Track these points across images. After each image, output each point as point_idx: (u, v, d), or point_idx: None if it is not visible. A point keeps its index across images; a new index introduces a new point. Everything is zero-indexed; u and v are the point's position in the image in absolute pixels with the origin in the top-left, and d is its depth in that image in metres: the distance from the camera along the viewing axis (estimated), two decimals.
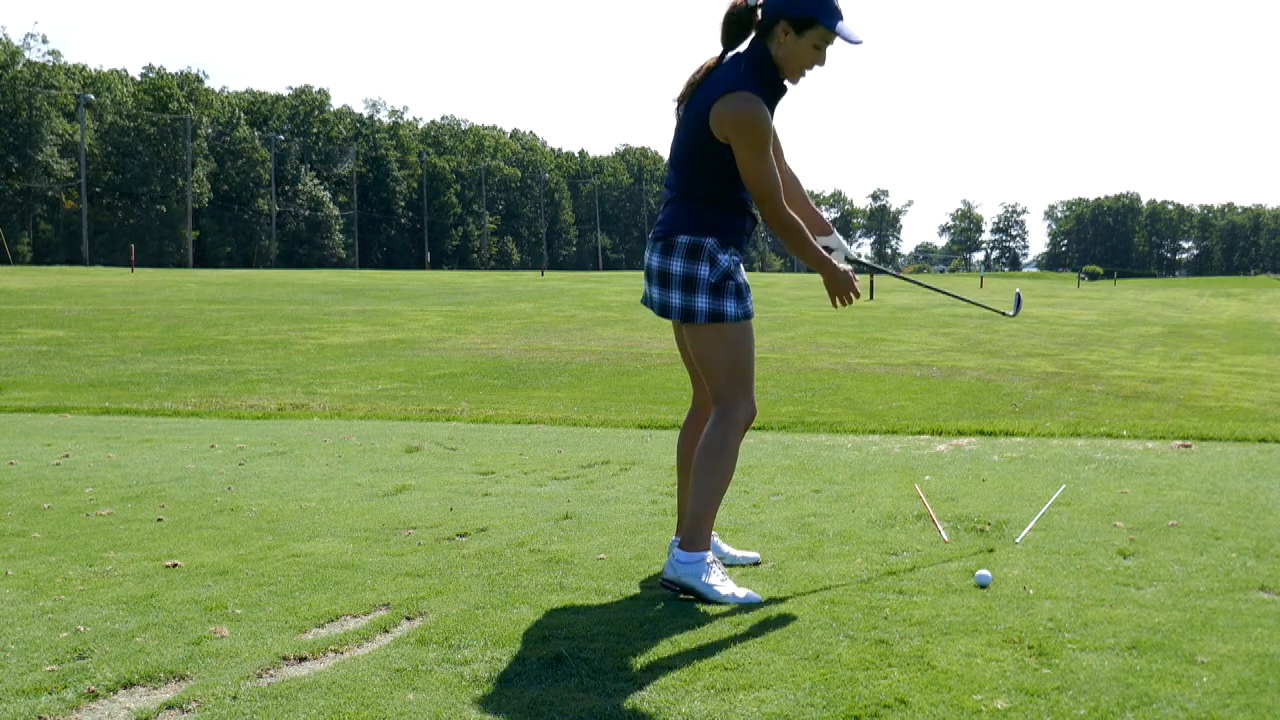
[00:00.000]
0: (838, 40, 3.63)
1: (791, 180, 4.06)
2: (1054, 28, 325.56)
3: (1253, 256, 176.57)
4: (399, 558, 4.25)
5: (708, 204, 3.73)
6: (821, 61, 3.66)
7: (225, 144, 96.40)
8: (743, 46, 3.73)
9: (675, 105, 3.83)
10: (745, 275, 3.83)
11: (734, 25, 3.68)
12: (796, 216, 3.78)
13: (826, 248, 4.06)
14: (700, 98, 3.67)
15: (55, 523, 5.00)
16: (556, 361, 17.63)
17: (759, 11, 3.66)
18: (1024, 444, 7.65)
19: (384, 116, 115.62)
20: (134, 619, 3.44)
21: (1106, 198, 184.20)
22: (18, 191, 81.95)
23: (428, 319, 26.26)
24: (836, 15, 3.58)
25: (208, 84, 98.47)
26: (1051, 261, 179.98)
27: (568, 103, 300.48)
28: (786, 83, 3.74)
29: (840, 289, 3.87)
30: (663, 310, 3.82)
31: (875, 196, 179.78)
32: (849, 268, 3.91)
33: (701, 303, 3.73)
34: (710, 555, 3.73)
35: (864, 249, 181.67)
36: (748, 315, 3.78)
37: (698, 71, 3.75)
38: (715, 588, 3.65)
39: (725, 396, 3.79)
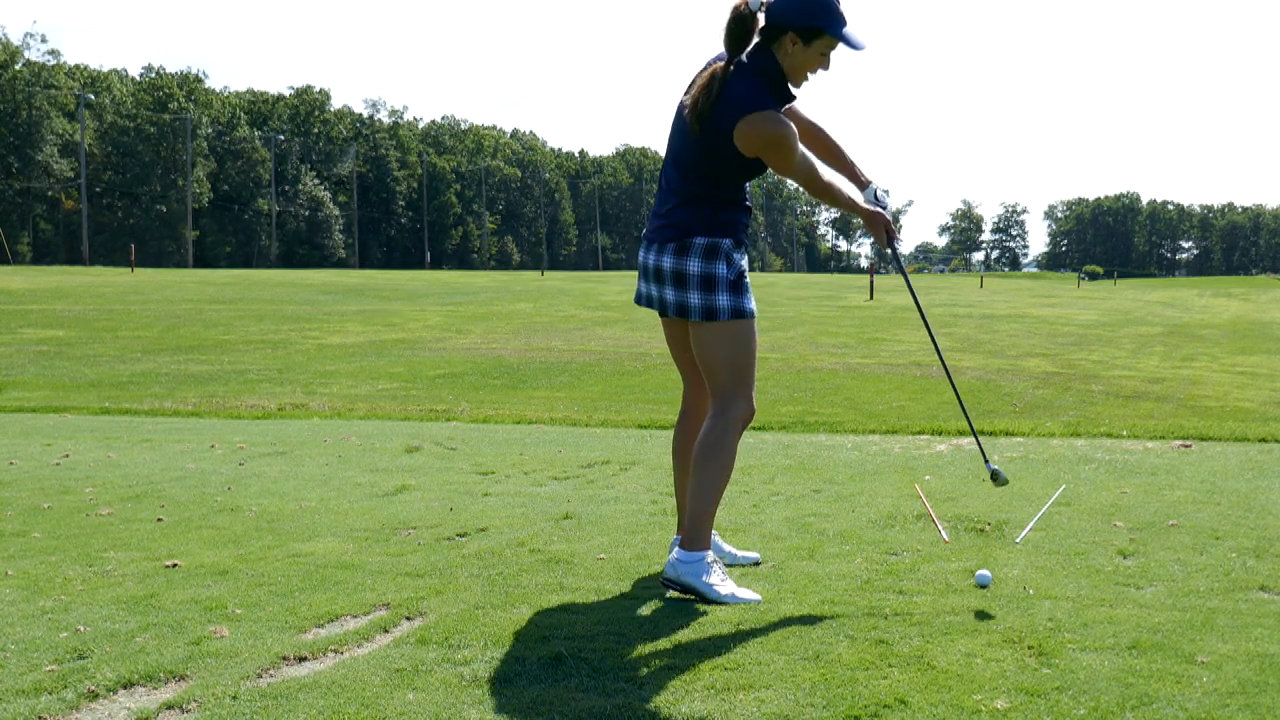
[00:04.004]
0: (841, 45, 3.68)
1: (817, 133, 4.13)
2: (1054, 27, 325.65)
3: (1253, 256, 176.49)
4: (399, 558, 4.25)
5: (720, 206, 3.80)
6: (826, 66, 3.75)
7: (225, 144, 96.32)
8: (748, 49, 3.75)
9: (681, 107, 3.82)
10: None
11: (738, 30, 3.69)
12: (831, 178, 3.98)
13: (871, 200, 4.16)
14: (719, 114, 3.67)
15: (55, 523, 5.00)
16: (556, 361, 17.63)
17: (761, 17, 3.68)
18: (1024, 444, 7.65)
19: (384, 116, 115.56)
20: (134, 619, 3.44)
21: (1106, 198, 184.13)
22: (18, 191, 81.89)
23: (428, 319, 26.26)
24: (842, 22, 3.65)
25: (208, 84, 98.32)
26: (1051, 261, 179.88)
27: (568, 103, 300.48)
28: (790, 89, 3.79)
29: (875, 229, 4.08)
30: (680, 310, 3.83)
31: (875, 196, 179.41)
32: (886, 214, 4.08)
33: (723, 300, 3.78)
34: (711, 555, 3.74)
35: (864, 249, 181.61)
36: (752, 314, 3.87)
37: (706, 79, 3.71)
38: (715, 587, 3.65)
39: (725, 394, 3.81)
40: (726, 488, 3.87)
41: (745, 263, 3.88)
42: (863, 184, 4.18)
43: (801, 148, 3.82)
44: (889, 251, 4.17)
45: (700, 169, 3.76)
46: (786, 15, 3.63)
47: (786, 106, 3.95)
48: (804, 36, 3.64)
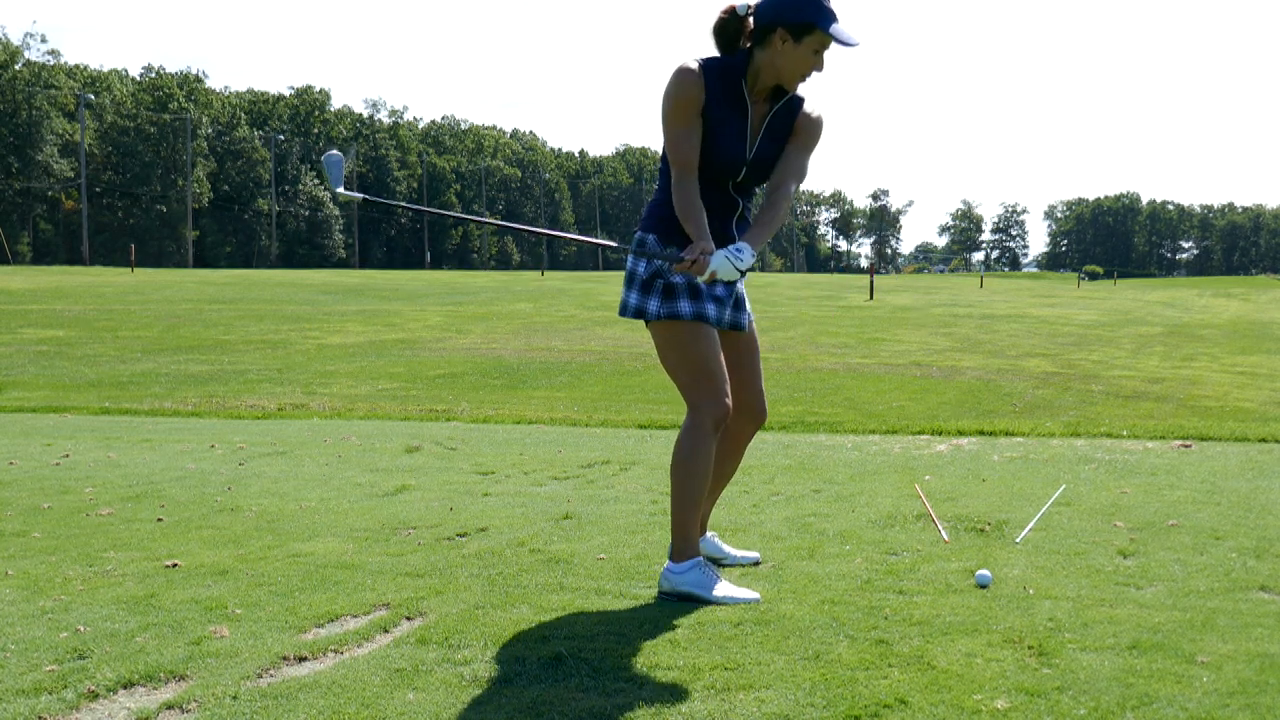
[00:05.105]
0: (833, 43, 3.62)
1: (779, 180, 3.76)
2: (1054, 27, 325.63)
3: (1253, 256, 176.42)
4: (399, 558, 4.25)
5: (663, 201, 3.75)
6: (820, 66, 3.63)
7: (225, 144, 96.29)
8: None
9: None
10: (694, 277, 3.61)
11: (725, 33, 3.67)
12: (693, 193, 3.59)
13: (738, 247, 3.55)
14: None
15: (55, 523, 5.00)
16: (556, 361, 17.62)
17: (750, 20, 3.66)
18: (1024, 444, 7.65)
19: (384, 116, 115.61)
20: (134, 619, 3.44)
21: (1106, 198, 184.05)
22: (18, 191, 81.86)
23: (428, 319, 26.25)
24: (831, 18, 3.56)
25: (208, 84, 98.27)
26: (1051, 261, 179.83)
27: (568, 103, 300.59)
28: (789, 89, 3.75)
29: (692, 262, 3.48)
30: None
31: (875, 196, 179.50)
32: (724, 257, 3.50)
33: (631, 298, 3.76)
34: (701, 559, 3.73)
35: (864, 249, 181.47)
36: (674, 316, 3.66)
37: None
38: (712, 590, 3.65)
39: (688, 397, 3.75)
40: (724, 488, 3.85)
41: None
42: (750, 240, 3.61)
43: (690, 137, 3.57)
44: (666, 261, 3.66)
45: (665, 163, 3.77)
46: (774, 11, 3.58)
47: (800, 145, 3.77)
48: (793, 33, 3.56)
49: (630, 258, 3.80)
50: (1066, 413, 11.96)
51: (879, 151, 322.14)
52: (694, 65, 3.63)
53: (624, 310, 3.79)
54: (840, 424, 9.48)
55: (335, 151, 3.90)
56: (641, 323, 3.83)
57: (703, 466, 3.71)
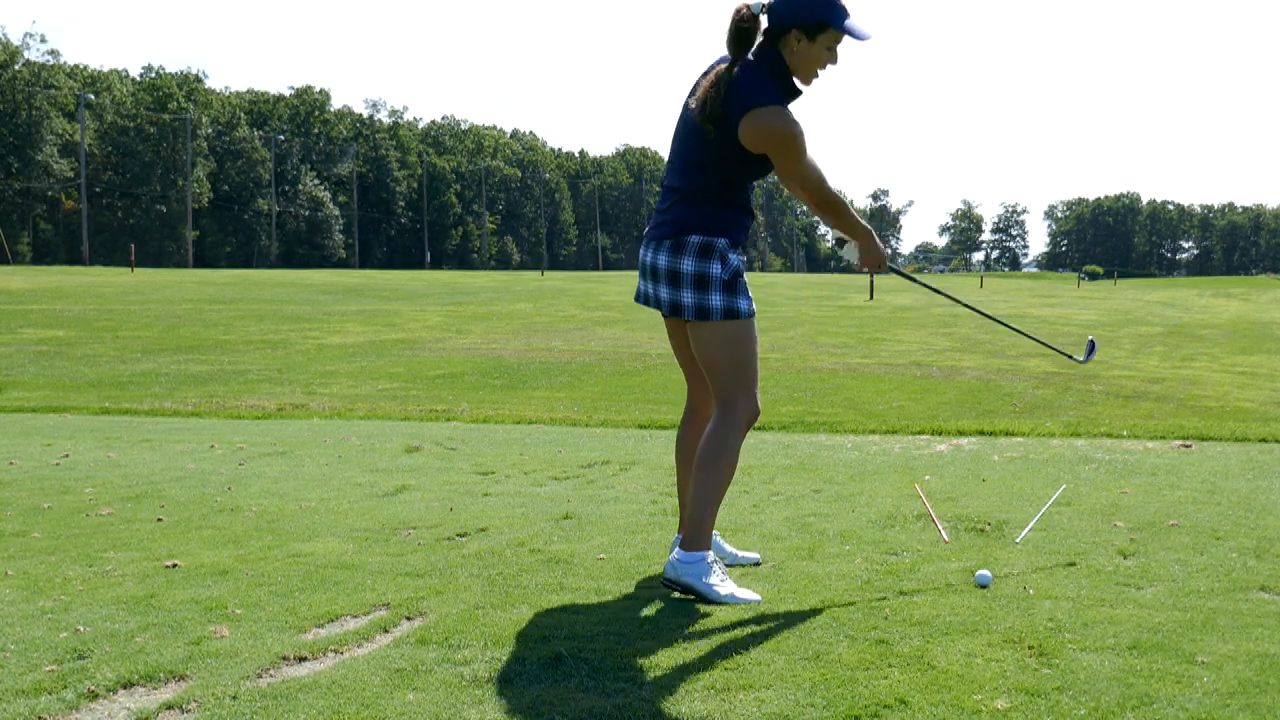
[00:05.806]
0: (846, 37, 3.67)
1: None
2: (1053, 27, 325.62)
3: (1253, 256, 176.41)
4: (399, 558, 4.25)
5: (718, 205, 3.78)
6: (834, 60, 3.72)
7: (225, 144, 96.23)
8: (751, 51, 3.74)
9: (686, 109, 3.81)
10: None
11: (740, 33, 3.68)
12: (844, 199, 3.95)
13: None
14: (728, 107, 3.65)
15: (55, 523, 5.00)
16: (556, 361, 17.63)
17: (763, 18, 3.68)
18: (1024, 444, 7.65)
19: (384, 116, 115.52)
20: (134, 619, 3.44)
21: (1106, 198, 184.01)
22: (18, 191, 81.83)
23: (428, 319, 26.25)
24: (844, 14, 3.64)
25: (208, 84, 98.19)
26: (1051, 261, 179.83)
27: (568, 103, 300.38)
28: (800, 85, 3.77)
29: (875, 259, 4.08)
30: (673, 309, 3.83)
31: (875, 196, 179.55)
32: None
33: (716, 300, 3.76)
34: (711, 555, 3.74)
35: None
36: (754, 313, 3.86)
37: (710, 80, 3.70)
38: (715, 588, 3.65)
39: (728, 395, 3.80)
40: (728, 488, 3.87)
41: (741, 263, 3.84)
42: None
43: (812, 156, 3.78)
44: (889, 268, 4.20)
45: (702, 166, 3.75)
46: (788, 13, 3.62)
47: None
48: (808, 32, 3.62)
49: (691, 259, 3.75)
50: (1066, 413, 11.96)
51: (879, 151, 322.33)
52: (781, 103, 3.68)
53: (711, 314, 3.76)
54: (840, 424, 9.49)
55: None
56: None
57: (733, 461, 3.79)
